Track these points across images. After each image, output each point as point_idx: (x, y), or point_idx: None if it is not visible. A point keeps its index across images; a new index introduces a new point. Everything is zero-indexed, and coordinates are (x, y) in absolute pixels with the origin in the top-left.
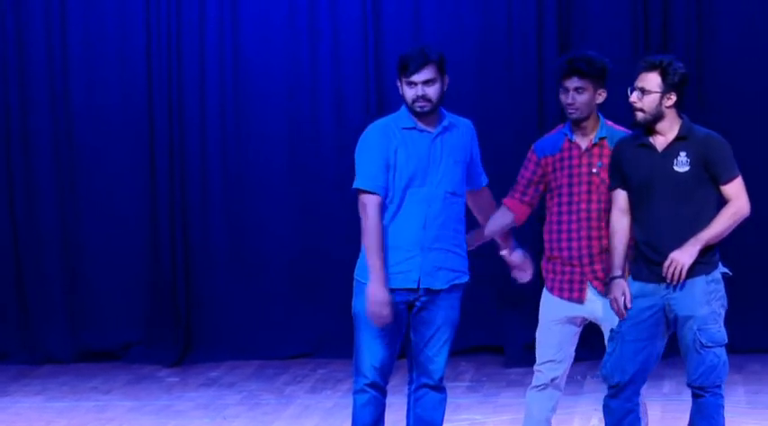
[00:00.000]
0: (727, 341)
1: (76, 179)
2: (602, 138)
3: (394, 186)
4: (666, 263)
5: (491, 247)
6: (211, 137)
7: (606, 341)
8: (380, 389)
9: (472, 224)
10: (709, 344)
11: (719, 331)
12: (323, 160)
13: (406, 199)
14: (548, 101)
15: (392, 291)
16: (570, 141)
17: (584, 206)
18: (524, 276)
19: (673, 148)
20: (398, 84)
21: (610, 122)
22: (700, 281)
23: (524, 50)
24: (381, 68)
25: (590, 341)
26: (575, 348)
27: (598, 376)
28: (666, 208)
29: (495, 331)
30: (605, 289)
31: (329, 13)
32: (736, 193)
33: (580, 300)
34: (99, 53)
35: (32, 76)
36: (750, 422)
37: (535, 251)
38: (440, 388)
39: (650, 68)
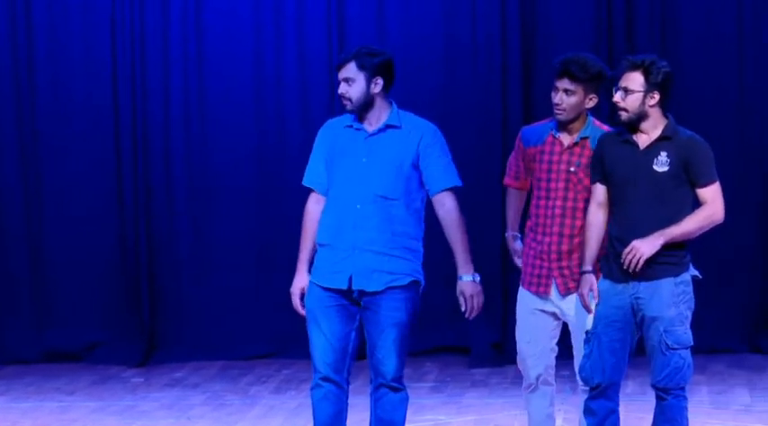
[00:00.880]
0: (692, 343)
1: (41, 179)
2: (584, 138)
3: (331, 183)
4: (626, 250)
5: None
6: (176, 137)
7: (572, 339)
8: (336, 384)
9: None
10: (675, 346)
11: (686, 333)
12: (288, 160)
13: (339, 198)
14: (511, 102)
15: (328, 290)
16: (554, 136)
17: (559, 202)
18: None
19: (654, 148)
20: None
21: (597, 123)
22: (667, 283)
23: (488, 51)
24: None
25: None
26: (555, 342)
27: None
28: (643, 207)
29: (459, 331)
30: (567, 288)
31: (294, 13)
32: (712, 198)
33: (546, 294)
34: (64, 53)
35: None
36: (713, 422)
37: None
38: (397, 389)
39: (633, 68)
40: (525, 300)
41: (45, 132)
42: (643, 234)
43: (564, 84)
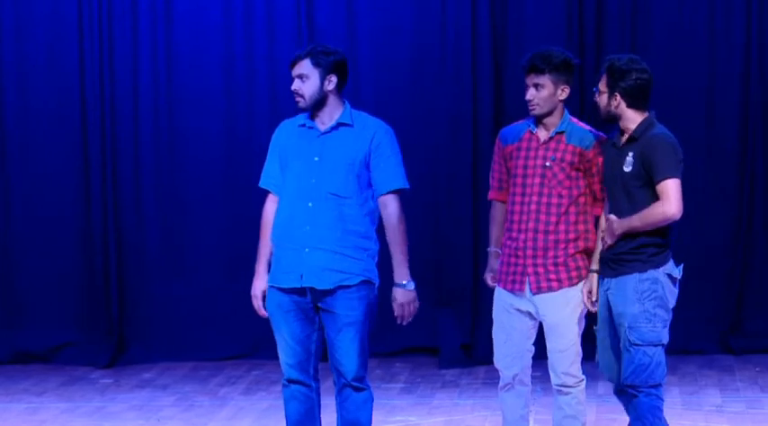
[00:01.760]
0: (662, 341)
1: (8, 180)
2: (559, 133)
3: (284, 183)
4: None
5: (424, 247)
6: (144, 138)
7: (546, 339)
8: (302, 384)
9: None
10: (638, 343)
11: (652, 330)
12: (257, 160)
13: (291, 197)
14: (481, 102)
15: (286, 294)
16: (531, 132)
17: (535, 198)
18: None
19: (625, 148)
20: None
21: (575, 119)
22: (632, 279)
23: (458, 51)
24: None
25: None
26: (532, 342)
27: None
28: (617, 206)
29: (429, 331)
30: (538, 287)
31: (264, 13)
32: (666, 194)
33: (520, 291)
34: (30, 53)
35: None
36: (685, 423)
37: None
38: (360, 388)
39: (605, 69)
40: (501, 299)
41: (12, 132)
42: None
43: (532, 79)
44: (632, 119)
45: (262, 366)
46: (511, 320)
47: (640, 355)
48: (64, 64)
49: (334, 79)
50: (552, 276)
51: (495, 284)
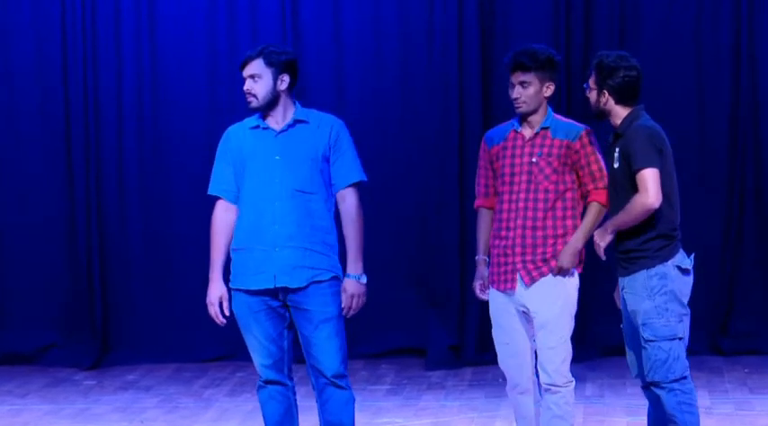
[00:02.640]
0: (678, 335)
1: None
2: (544, 128)
3: (243, 186)
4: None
5: (412, 249)
6: (128, 140)
7: (535, 336)
8: (279, 384)
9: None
10: (652, 339)
11: (666, 325)
12: None
13: (255, 199)
14: (469, 102)
15: (254, 295)
16: (516, 131)
17: (522, 195)
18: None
19: (613, 144)
20: None
21: (558, 116)
22: (640, 276)
23: (444, 51)
24: (300, 69)
25: None
26: (530, 339)
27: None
28: (612, 202)
29: (416, 332)
30: (531, 277)
31: (248, 12)
32: (643, 184)
33: (512, 290)
34: (13, 51)
35: None
36: None
37: None
38: (341, 387)
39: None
40: (496, 301)
41: None
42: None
43: (518, 77)
44: (620, 115)
45: (246, 367)
46: (510, 321)
47: (656, 351)
48: (47, 67)
49: (286, 79)
50: (542, 266)
51: (483, 295)
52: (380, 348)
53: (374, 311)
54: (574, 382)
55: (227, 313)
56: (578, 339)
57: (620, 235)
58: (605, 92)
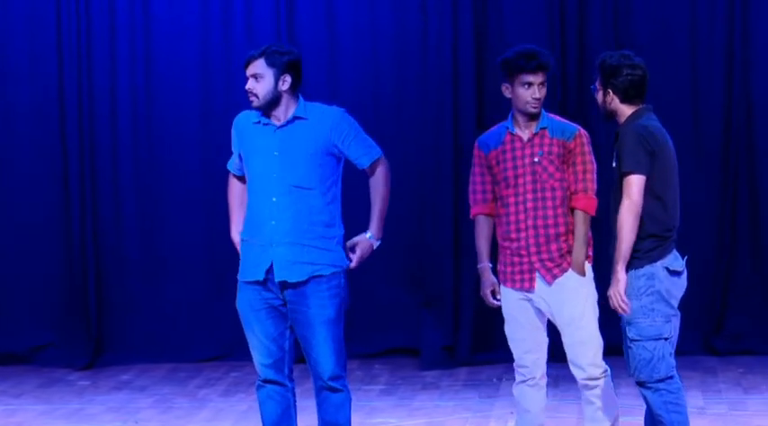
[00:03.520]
0: (663, 335)
1: None
2: (542, 128)
3: (248, 180)
4: (611, 304)
5: (406, 249)
6: (123, 138)
7: (561, 334)
8: (278, 384)
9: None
10: (637, 338)
11: (651, 325)
12: None
13: (256, 193)
14: (463, 103)
15: (255, 291)
16: (512, 133)
17: (529, 195)
18: (494, 302)
19: (614, 144)
20: None
21: (552, 115)
22: (630, 276)
23: (439, 51)
24: None
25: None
26: (546, 333)
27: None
28: (611, 199)
29: (410, 333)
30: (552, 275)
31: (243, 13)
32: (626, 189)
33: (531, 289)
34: (9, 51)
35: None
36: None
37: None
38: (337, 389)
39: None
40: (511, 298)
41: None
42: (608, 230)
43: (539, 77)
44: (625, 114)
45: (241, 367)
46: (525, 314)
47: (641, 350)
48: (42, 67)
49: (288, 79)
50: (561, 262)
51: (495, 301)
52: (375, 348)
53: (369, 311)
54: (609, 370)
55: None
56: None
57: (613, 236)
58: (610, 91)
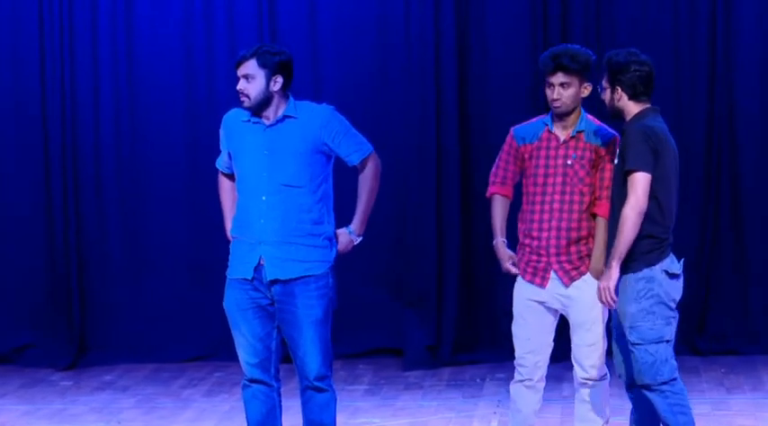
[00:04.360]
0: (665, 338)
1: None
2: (579, 132)
3: (238, 178)
4: (597, 295)
5: (389, 248)
6: (106, 140)
7: (572, 333)
8: (263, 383)
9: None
10: (638, 342)
11: (652, 328)
12: None
13: (246, 192)
14: (446, 100)
15: (244, 289)
16: (550, 131)
17: (557, 197)
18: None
19: (620, 143)
20: None
21: (590, 117)
22: (629, 279)
23: (421, 50)
24: None
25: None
26: (552, 338)
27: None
28: (613, 201)
29: (393, 332)
30: (570, 277)
31: (225, 12)
32: (633, 187)
33: (543, 287)
34: None
35: None
36: None
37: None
38: (322, 389)
39: None
40: (522, 293)
41: None
42: (612, 229)
43: (558, 78)
44: (633, 112)
45: (224, 367)
46: (534, 315)
47: (642, 354)
48: (24, 67)
49: (279, 80)
50: (580, 266)
51: (515, 269)
52: (358, 348)
53: (352, 311)
54: (609, 374)
55: None
56: (558, 338)
57: (611, 237)
58: (618, 88)
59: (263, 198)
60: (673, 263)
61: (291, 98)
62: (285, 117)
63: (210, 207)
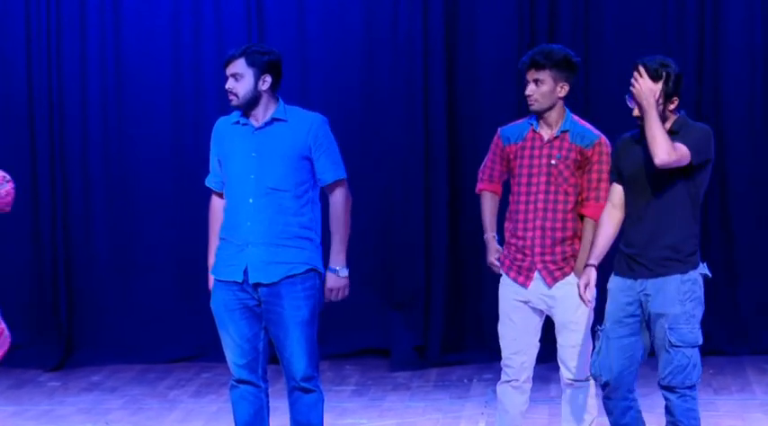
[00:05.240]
0: (700, 342)
1: None
2: (564, 131)
3: (226, 181)
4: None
5: (376, 248)
6: (93, 140)
7: (557, 334)
8: (251, 384)
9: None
10: (679, 344)
11: (692, 331)
12: (207, 161)
13: (233, 194)
14: (434, 100)
15: (230, 291)
16: (534, 131)
17: (541, 196)
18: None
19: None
20: None
21: (576, 117)
22: (674, 280)
23: (409, 50)
24: None
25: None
26: (538, 338)
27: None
28: (636, 204)
29: (380, 333)
30: (553, 278)
31: (213, 12)
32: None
33: (526, 286)
34: None
35: None
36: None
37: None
38: (309, 390)
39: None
40: (507, 293)
41: None
42: (638, 230)
43: (532, 74)
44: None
45: (211, 368)
46: (520, 315)
47: (680, 356)
48: (11, 67)
49: (268, 79)
50: (564, 266)
51: (500, 269)
52: (345, 349)
53: (338, 311)
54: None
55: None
56: (544, 339)
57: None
58: (675, 99)
59: (251, 200)
60: (705, 267)
61: (281, 101)
62: (274, 119)
63: (197, 208)
